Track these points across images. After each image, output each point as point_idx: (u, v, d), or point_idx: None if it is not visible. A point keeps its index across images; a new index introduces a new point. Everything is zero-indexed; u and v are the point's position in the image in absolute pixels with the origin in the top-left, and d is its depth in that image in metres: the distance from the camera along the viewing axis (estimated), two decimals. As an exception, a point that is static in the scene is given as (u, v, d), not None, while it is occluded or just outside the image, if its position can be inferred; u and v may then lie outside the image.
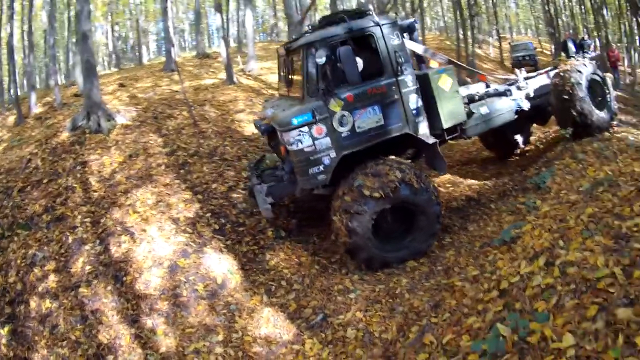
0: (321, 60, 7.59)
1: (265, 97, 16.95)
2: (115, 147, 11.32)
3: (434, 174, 9.95)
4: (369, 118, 8.20)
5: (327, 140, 7.90)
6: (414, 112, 8.55)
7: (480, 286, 6.11)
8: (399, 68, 8.39)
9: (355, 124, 8.07)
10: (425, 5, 49.22)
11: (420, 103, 8.66)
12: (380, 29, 8.35)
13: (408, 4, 36.85)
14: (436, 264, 7.95)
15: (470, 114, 9.58)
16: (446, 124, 8.96)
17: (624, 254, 4.67)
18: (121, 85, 19.27)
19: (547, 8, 45.42)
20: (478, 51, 39.21)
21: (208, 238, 8.84)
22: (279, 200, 8.81)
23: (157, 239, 8.29)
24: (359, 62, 8.20)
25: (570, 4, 50.13)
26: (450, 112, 9.01)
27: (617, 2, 38.59)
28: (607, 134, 10.76)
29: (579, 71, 10.88)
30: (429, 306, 6.41)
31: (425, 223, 8.27)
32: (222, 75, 20.79)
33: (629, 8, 24.18)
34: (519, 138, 13.58)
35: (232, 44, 31.91)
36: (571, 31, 39.86)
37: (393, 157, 8.59)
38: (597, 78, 11.43)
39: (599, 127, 10.97)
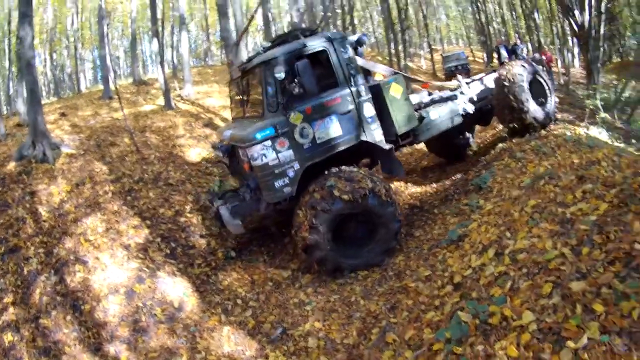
0: (280, 75, 7.88)
1: (204, 121, 17.23)
2: (61, 176, 11.19)
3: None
4: (328, 129, 8.55)
5: (290, 152, 8.17)
6: (369, 120, 8.95)
7: (434, 284, 6.39)
8: (352, 79, 8.82)
9: (316, 135, 8.39)
10: (356, 22, 49.95)
11: (374, 111, 9.04)
12: (332, 44, 8.77)
13: (339, 22, 37.30)
14: (387, 271, 8.21)
15: (421, 119, 10.09)
16: (400, 130, 9.46)
17: (571, 235, 5.02)
18: (62, 114, 18.97)
19: (478, 17, 46.57)
20: (410, 64, 39.88)
21: (160, 262, 8.87)
22: (244, 219, 8.88)
23: (111, 266, 8.28)
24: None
25: (500, 10, 51.38)
26: (403, 118, 9.49)
27: (548, 6, 39.78)
28: (543, 132, 11.23)
29: (521, 72, 11.37)
30: (386, 309, 6.66)
31: (384, 236, 8.52)
32: (160, 101, 20.62)
33: (560, 10, 24.98)
34: (464, 140, 14.14)
35: (167, 69, 31.73)
36: (503, 37, 40.88)
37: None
38: (539, 78, 11.94)
39: (541, 125, 11.55)
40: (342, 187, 8.06)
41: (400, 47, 32.01)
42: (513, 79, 11.27)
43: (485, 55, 50.10)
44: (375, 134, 9.05)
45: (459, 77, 12.60)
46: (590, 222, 5.08)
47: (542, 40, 38.74)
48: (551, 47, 36.95)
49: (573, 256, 4.65)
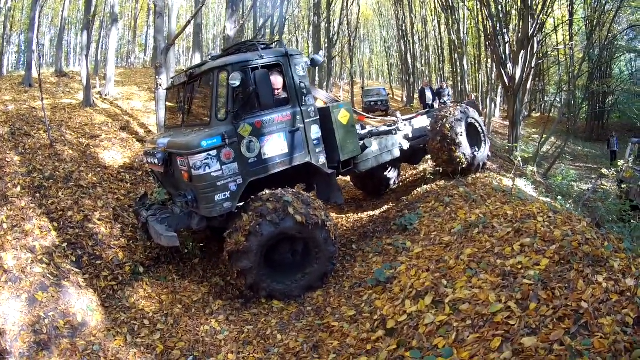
0: (235, 83, 7.56)
1: (121, 124, 16.72)
2: (-30, 161, 10.46)
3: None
4: (275, 145, 8.41)
5: (235, 165, 7.88)
6: (315, 142, 8.89)
7: (361, 326, 6.21)
8: (303, 98, 8.70)
9: (262, 151, 8.19)
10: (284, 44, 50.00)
11: (320, 134, 8.95)
12: (289, 59, 8.63)
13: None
14: (304, 305, 7.96)
15: (364, 148, 10.09)
16: (344, 156, 9.48)
17: (515, 289, 5.06)
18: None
19: (405, 56, 47.48)
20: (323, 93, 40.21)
21: (65, 271, 8.27)
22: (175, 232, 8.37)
23: (14, 269, 7.63)
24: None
25: (427, 53, 52.52)
26: (348, 145, 9.53)
27: (476, 54, 40.84)
28: (470, 179, 11.39)
29: (460, 114, 11.73)
30: (308, 347, 6.38)
31: (321, 261, 8.35)
32: (80, 96, 19.97)
33: (494, 60, 25.59)
34: (389, 177, 14.26)
35: (90, 65, 30.86)
36: (426, 79, 41.73)
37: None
38: (475, 124, 12.32)
39: (475, 167, 11.97)
40: (297, 207, 7.86)
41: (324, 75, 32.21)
42: (452, 118, 11.58)
43: (405, 94, 51.10)
44: (320, 157, 9.00)
45: (397, 113, 12.92)
46: (533, 276, 5.22)
47: (467, 87, 39.78)
48: (475, 94, 37.93)
49: (520, 310, 4.68)
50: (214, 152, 7.66)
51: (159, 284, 8.90)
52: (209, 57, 8.99)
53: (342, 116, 9.54)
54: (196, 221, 8.42)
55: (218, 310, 8.08)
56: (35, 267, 7.87)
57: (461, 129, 11.61)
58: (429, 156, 13.37)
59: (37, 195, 10.18)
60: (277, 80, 8.64)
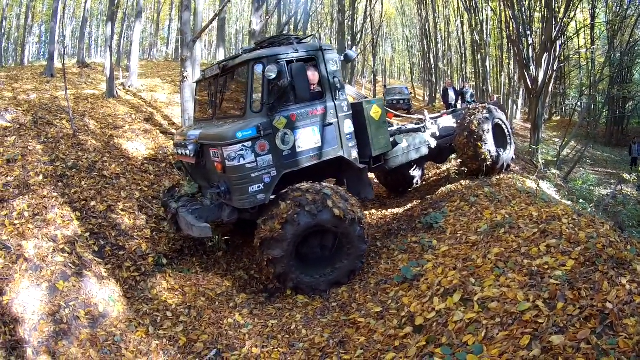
0: (271, 75, 7.51)
1: (145, 115, 16.71)
2: (-7, 148, 10.43)
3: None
4: (309, 138, 8.36)
5: (270, 157, 7.82)
6: (347, 136, 8.87)
7: (389, 322, 6.14)
8: (337, 93, 8.69)
9: (296, 144, 8.15)
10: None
11: (352, 129, 8.94)
12: (323, 54, 8.71)
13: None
14: (329, 300, 7.86)
15: (394, 144, 10.13)
16: (375, 152, 9.49)
17: (542, 289, 5.10)
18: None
19: (427, 55, 47.35)
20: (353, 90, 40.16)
21: (88, 260, 8.16)
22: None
23: (35, 257, 7.53)
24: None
25: (449, 53, 52.37)
26: (379, 141, 9.54)
27: (498, 55, 40.64)
28: (495, 180, 11.31)
29: (487, 115, 11.77)
30: (334, 342, 6.29)
31: (350, 256, 8.30)
32: (103, 87, 20.04)
33: (517, 61, 25.41)
34: (414, 175, 14.23)
35: (113, 57, 31.07)
36: (449, 79, 41.60)
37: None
38: (501, 123, 12.35)
39: (500, 167, 12.05)
40: (336, 200, 7.86)
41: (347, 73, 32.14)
42: (480, 116, 11.70)
43: (427, 94, 50.96)
44: (352, 151, 8.98)
45: (425, 112, 12.89)
46: (560, 277, 5.23)
47: (490, 88, 39.62)
48: (497, 95, 37.77)
49: (547, 309, 4.70)
50: (248, 144, 7.60)
51: (182, 276, 8.81)
52: (242, 50, 8.97)
53: (374, 112, 9.53)
54: (227, 213, 8.33)
55: (242, 303, 7.99)
56: (56, 256, 7.79)
57: (488, 126, 11.60)
58: (454, 156, 13.47)
59: (60, 184, 10.13)
60: (312, 74, 8.58)
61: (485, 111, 11.91)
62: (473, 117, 11.70)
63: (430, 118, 12.49)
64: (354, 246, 8.17)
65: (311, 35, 9.68)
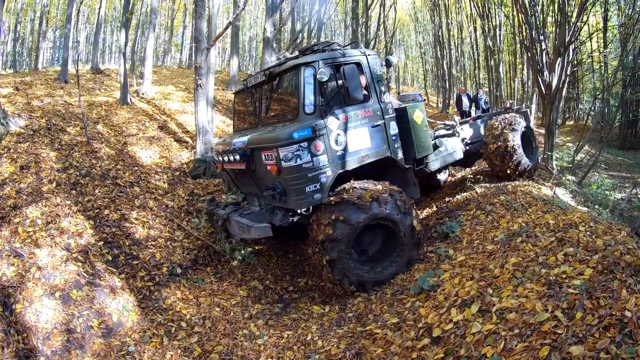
0: (324, 77, 7.72)
1: (159, 123, 16.73)
2: (6, 154, 10.43)
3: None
4: (360, 139, 8.52)
5: (325, 157, 7.95)
6: (393, 137, 9.01)
7: (406, 334, 6.03)
8: (382, 96, 8.89)
9: (348, 144, 8.29)
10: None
11: (397, 131, 9.11)
12: (367, 58, 8.98)
13: (305, 43, 37.25)
14: (345, 311, 7.72)
15: (435, 147, 10.47)
16: (419, 154, 9.75)
17: (561, 299, 5.00)
18: (16, 89, 18.19)
19: (440, 62, 47.21)
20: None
21: (101, 269, 8.16)
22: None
23: (48, 266, 7.52)
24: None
25: (462, 59, 52.19)
26: (422, 143, 9.80)
27: (512, 61, 40.45)
28: (510, 187, 11.26)
29: (516, 122, 11.92)
30: (351, 354, 6.17)
31: (407, 247, 8.37)
32: (116, 94, 20.00)
33: (529, 66, 25.30)
34: (440, 178, 14.47)
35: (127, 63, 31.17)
36: (463, 86, 41.49)
37: None
38: (528, 132, 12.54)
39: (527, 173, 12.21)
40: (392, 196, 8.05)
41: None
42: (515, 125, 11.86)
43: (440, 100, 50.82)
44: (398, 152, 9.13)
45: (455, 117, 13.35)
46: (579, 286, 5.13)
47: (503, 94, 39.47)
48: (511, 101, 37.57)
49: (566, 320, 4.61)
50: (304, 144, 7.71)
51: (196, 286, 8.80)
52: (283, 57, 9.24)
53: (417, 116, 9.78)
54: (279, 217, 8.36)
55: (257, 314, 7.99)
56: (70, 265, 7.77)
57: (517, 135, 11.74)
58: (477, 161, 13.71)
59: (73, 192, 10.09)
60: (360, 78, 8.69)
61: (516, 119, 12.05)
62: (502, 127, 11.86)
63: (460, 124, 12.72)
64: (408, 236, 8.22)
65: (353, 41, 9.86)
